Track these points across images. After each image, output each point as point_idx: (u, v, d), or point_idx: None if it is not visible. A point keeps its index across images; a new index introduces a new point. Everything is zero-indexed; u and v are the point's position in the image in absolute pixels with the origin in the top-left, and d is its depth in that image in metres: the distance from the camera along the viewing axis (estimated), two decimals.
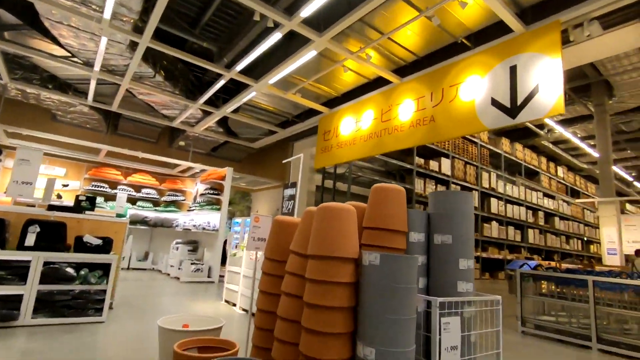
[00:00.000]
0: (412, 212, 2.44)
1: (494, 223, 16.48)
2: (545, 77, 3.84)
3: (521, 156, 19.42)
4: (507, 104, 4.13)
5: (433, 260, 2.42)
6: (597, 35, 4.08)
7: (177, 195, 10.94)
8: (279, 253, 2.52)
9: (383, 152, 5.73)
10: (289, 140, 10.28)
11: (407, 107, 5.40)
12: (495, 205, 16.58)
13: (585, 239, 23.85)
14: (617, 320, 4.53)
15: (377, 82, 6.22)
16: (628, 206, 26.89)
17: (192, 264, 8.52)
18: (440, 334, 2.08)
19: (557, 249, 21.04)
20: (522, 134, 20.55)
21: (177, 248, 9.26)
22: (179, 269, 8.65)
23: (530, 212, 19.35)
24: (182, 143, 10.38)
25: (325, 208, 2.13)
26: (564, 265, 8.99)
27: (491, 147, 17.43)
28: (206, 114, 8.66)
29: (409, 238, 2.40)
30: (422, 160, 13.57)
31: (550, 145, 21.29)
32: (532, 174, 20.27)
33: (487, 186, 16.38)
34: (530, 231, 18.98)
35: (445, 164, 14.37)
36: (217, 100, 8.19)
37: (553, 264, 9.73)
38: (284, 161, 6.66)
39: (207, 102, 8.02)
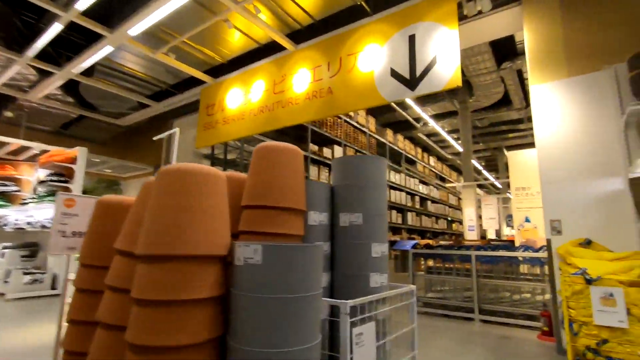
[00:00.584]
0: (312, 183, 1.77)
1: None
2: (443, 48, 3.63)
3: (402, 146, 21.31)
4: (407, 75, 3.84)
5: (338, 249, 1.81)
6: (487, 10, 4.14)
7: (7, 185, 8.21)
8: (103, 256, 1.55)
9: (276, 128, 5.00)
10: (167, 118, 8.68)
11: (302, 77, 4.77)
12: None
13: (449, 219, 27.94)
14: (493, 290, 4.83)
15: (269, 49, 5.44)
16: (478, 190, 32.30)
17: (25, 273, 6.39)
18: (352, 352, 1.48)
19: (429, 229, 24.06)
20: (403, 127, 22.60)
21: (3, 255, 6.87)
22: (5, 282, 6.40)
23: (409, 196, 21.53)
24: (9, 114, 7.76)
25: (167, 174, 1.25)
26: (442, 242, 9.86)
27: (378, 137, 18.57)
28: (44, 75, 6.51)
29: (307, 220, 1.72)
30: (316, 147, 13.42)
31: (425, 138, 24.03)
32: (411, 163, 22.54)
33: None
34: (409, 214, 21.17)
35: (338, 151, 14.58)
36: (60, 58, 6.19)
37: (431, 241, 10.60)
38: (154, 138, 5.36)
39: (43, 58, 5.97)
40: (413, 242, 8.25)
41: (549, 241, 3.37)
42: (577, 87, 3.40)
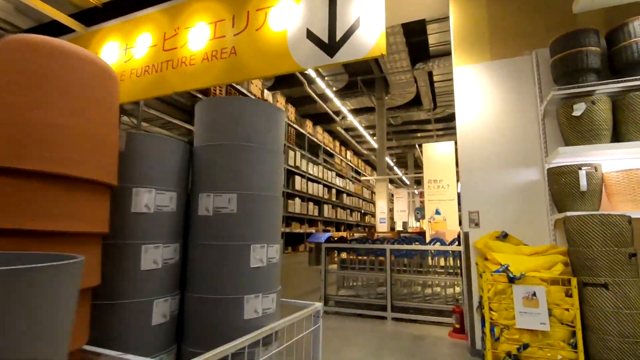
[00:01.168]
0: (142, 137, 0.98)
1: (297, 199, 17.23)
2: (367, 10, 3.09)
3: (321, 138, 21.20)
4: (325, 38, 3.21)
5: (194, 255, 1.06)
6: None
7: None
8: None
9: (165, 94, 3.95)
10: None
11: (200, 32, 3.81)
12: (299, 182, 17.34)
13: (363, 211, 29.03)
14: (405, 285, 4.60)
15: None
16: (390, 185, 34.22)
17: None
18: None
19: (344, 221, 24.57)
20: (323, 119, 22.51)
21: None
22: None
23: (326, 189, 21.58)
24: None
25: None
26: (356, 235, 9.73)
27: (297, 127, 18.06)
28: None
29: (131, 204, 0.93)
30: None
31: (343, 132, 24.36)
32: (329, 156, 22.58)
33: (292, 164, 16.86)
34: (326, 206, 21.22)
35: None
36: None
37: (345, 234, 10.41)
38: None
39: None
40: (327, 234, 7.87)
41: (466, 234, 3.11)
42: (499, 72, 3.20)
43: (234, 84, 12.46)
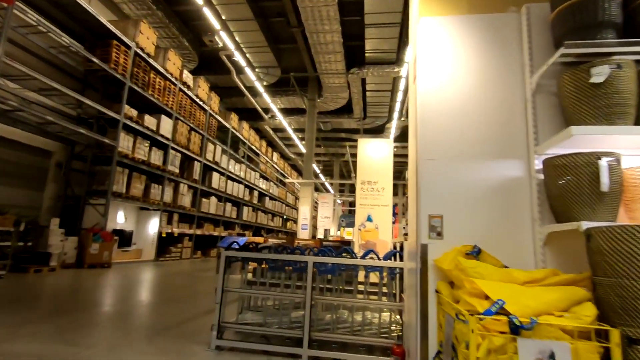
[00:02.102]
0: None
1: (213, 198, 15.15)
2: None
3: (247, 135, 19.47)
4: None
5: None
6: None
7: None
8: None
9: None
10: None
11: None
12: (216, 180, 15.29)
13: (285, 217, 27.86)
14: (329, 308, 3.54)
15: None
16: (315, 193, 33.70)
17: None
18: None
19: (265, 225, 23.03)
20: (250, 115, 20.85)
21: None
22: None
23: (248, 190, 19.84)
24: None
25: None
26: (272, 241, 8.51)
27: (220, 120, 16.19)
28: None
29: None
30: (134, 112, 9.92)
31: (271, 132, 23.00)
32: (254, 155, 20.94)
33: (211, 159, 14.83)
34: (246, 208, 19.41)
35: (167, 123, 11.38)
36: None
37: (259, 239, 9.07)
38: None
39: None
40: (240, 238, 6.57)
41: (424, 248, 2.17)
42: (476, 30, 2.38)
43: (148, 59, 10.37)
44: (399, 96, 14.62)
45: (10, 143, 8.12)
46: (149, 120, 10.40)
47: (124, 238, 9.93)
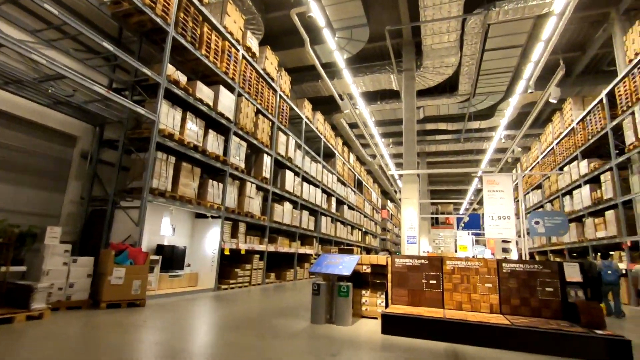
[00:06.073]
0: None
1: (288, 204, 11.61)
2: None
3: (322, 129, 16.14)
4: None
5: None
6: None
7: None
8: None
9: None
10: None
11: None
12: (290, 180, 11.87)
13: (364, 229, 23.88)
14: None
15: None
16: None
17: None
18: None
19: (344, 240, 19.06)
20: (324, 106, 17.65)
21: None
22: None
23: (325, 196, 16.23)
24: None
25: None
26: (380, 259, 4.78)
27: (293, 106, 13.12)
28: None
29: None
30: (182, 77, 6.76)
31: (347, 127, 19.50)
32: (330, 154, 17.56)
33: (283, 153, 11.63)
34: (324, 219, 15.65)
35: (227, 99, 8.07)
36: None
37: (380, 259, 5.44)
38: None
39: None
40: (347, 258, 3.18)
41: None
42: None
43: (199, 5, 7.66)
44: (538, 50, 10.00)
45: (19, 122, 5.68)
46: (204, 92, 7.53)
47: (174, 257, 7.01)
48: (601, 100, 10.34)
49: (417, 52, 12.71)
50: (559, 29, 9.14)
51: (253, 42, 9.65)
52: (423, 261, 4.83)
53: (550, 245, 14.50)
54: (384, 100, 16.15)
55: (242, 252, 8.69)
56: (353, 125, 19.52)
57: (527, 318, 4.01)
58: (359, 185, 22.64)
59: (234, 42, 8.60)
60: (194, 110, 7.36)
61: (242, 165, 8.87)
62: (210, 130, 7.70)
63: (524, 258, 9.06)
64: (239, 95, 8.87)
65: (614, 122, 9.65)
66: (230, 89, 8.50)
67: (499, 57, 13.06)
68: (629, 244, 8.84)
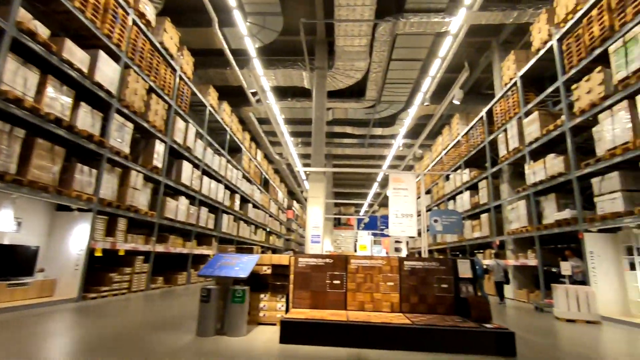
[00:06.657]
0: None
1: (184, 199, 10.20)
2: None
3: (228, 121, 14.99)
4: None
5: None
6: None
7: None
8: None
9: None
10: None
11: None
12: (188, 172, 10.44)
13: (268, 229, 23.29)
14: None
15: None
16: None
17: None
18: None
19: (246, 239, 18.10)
20: (231, 97, 16.52)
21: None
22: None
23: (229, 192, 15.09)
24: None
25: None
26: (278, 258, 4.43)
27: (195, 91, 11.80)
28: None
29: None
30: (43, 29, 5.18)
31: (256, 123, 18.64)
32: (235, 150, 16.47)
33: (181, 141, 10.21)
34: (226, 217, 14.51)
35: (109, 68, 6.65)
36: None
37: (284, 258, 4.99)
38: None
39: None
40: (244, 258, 2.79)
41: None
42: None
43: None
44: (435, 65, 11.05)
45: None
46: (75, 54, 6.06)
47: (17, 260, 5.41)
48: (481, 117, 11.83)
49: (330, 52, 12.76)
50: (453, 49, 10.14)
51: (149, 9, 8.29)
52: (328, 260, 4.56)
53: (435, 244, 16.11)
54: (295, 98, 15.92)
55: (121, 252, 7.31)
56: (262, 121, 18.81)
57: (424, 315, 4.03)
58: (265, 184, 22.01)
59: (121, 1, 7.20)
60: (60, 74, 5.85)
61: (127, 150, 7.49)
62: (82, 104, 6.24)
63: (422, 256, 9.67)
64: (127, 67, 7.48)
65: (491, 137, 11.11)
66: (115, 57, 7.08)
67: (402, 67, 13.97)
68: (497, 242, 10.20)
